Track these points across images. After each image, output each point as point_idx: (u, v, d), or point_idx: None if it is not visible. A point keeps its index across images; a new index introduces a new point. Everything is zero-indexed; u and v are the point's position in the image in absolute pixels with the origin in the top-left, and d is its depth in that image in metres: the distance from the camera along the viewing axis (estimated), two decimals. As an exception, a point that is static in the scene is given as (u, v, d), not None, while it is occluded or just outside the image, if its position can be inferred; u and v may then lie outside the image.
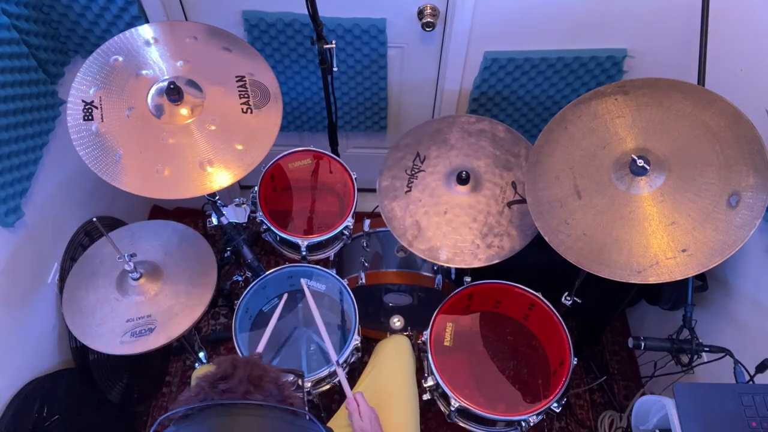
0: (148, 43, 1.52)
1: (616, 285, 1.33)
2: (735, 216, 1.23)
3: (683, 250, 1.27)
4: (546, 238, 1.44)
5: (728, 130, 1.29)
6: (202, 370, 1.72)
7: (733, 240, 1.22)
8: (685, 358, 1.52)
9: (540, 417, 1.54)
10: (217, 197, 1.73)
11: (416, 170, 1.73)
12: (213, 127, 1.46)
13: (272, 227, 1.74)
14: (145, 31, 1.53)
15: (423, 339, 1.65)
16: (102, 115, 1.42)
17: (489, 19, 1.80)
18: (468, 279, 1.76)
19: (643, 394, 1.99)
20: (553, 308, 1.66)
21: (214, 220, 1.78)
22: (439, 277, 1.88)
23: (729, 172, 1.27)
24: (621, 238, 1.34)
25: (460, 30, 1.83)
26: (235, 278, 2.15)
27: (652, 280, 1.28)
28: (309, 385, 1.56)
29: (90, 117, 1.42)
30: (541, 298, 1.68)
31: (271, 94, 1.52)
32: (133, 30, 1.52)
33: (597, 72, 1.94)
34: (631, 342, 1.52)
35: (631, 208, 1.35)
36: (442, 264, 1.61)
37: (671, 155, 1.34)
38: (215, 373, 0.84)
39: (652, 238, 1.30)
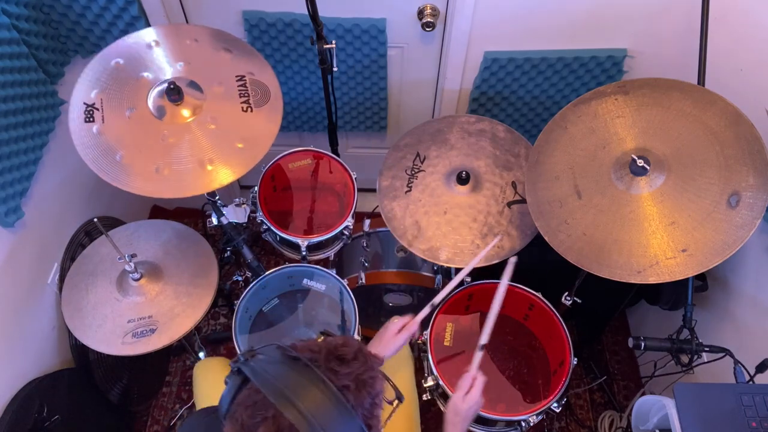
0: (149, 46, 1.52)
1: (615, 285, 1.33)
2: (735, 216, 1.23)
3: (683, 250, 1.27)
4: (546, 238, 1.44)
5: (728, 130, 1.29)
6: (214, 360, 1.72)
7: (733, 240, 1.22)
8: (685, 358, 1.52)
9: (540, 417, 1.54)
10: (217, 197, 1.73)
11: (416, 170, 1.73)
12: (213, 126, 1.46)
13: (272, 227, 1.74)
14: (147, 34, 1.53)
15: (423, 339, 1.65)
16: (103, 116, 1.43)
17: (489, 19, 1.80)
18: (468, 279, 1.75)
19: (643, 394, 1.99)
20: (553, 308, 1.66)
21: (214, 220, 1.78)
22: (439, 277, 1.88)
23: (729, 172, 1.27)
24: (621, 238, 1.34)
25: (460, 30, 1.83)
26: (235, 278, 2.15)
27: (652, 280, 1.28)
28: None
29: (91, 119, 1.42)
30: (541, 298, 1.68)
31: (271, 94, 1.52)
32: (135, 34, 1.52)
33: (597, 72, 1.94)
34: (631, 342, 1.52)
35: (631, 208, 1.35)
36: (442, 264, 1.61)
37: (671, 155, 1.35)
38: (341, 348, 0.82)
39: (652, 238, 1.30)
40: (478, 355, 1.36)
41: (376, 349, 1.33)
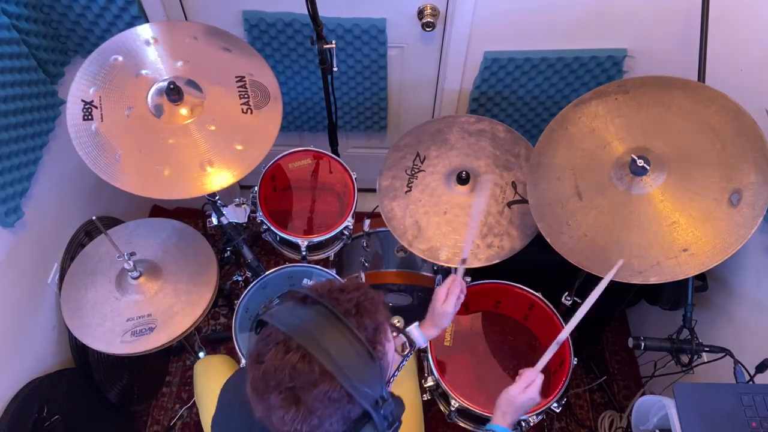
0: (147, 43, 1.51)
1: (615, 285, 1.33)
2: (736, 215, 1.23)
3: (684, 250, 1.27)
4: (548, 240, 1.44)
5: (729, 127, 1.29)
6: (214, 358, 1.73)
7: (734, 239, 1.22)
8: (685, 358, 1.52)
9: (540, 417, 1.54)
10: (217, 197, 1.73)
11: (416, 170, 1.73)
12: (213, 127, 1.46)
13: (272, 227, 1.74)
14: (145, 30, 1.53)
15: (423, 339, 1.65)
16: (102, 114, 1.42)
17: (489, 19, 1.80)
18: (468, 279, 1.75)
19: (643, 394, 1.99)
20: (553, 308, 1.66)
21: (214, 220, 1.78)
22: (439, 277, 1.88)
23: (730, 170, 1.27)
24: (622, 238, 1.34)
25: (460, 30, 1.83)
26: (235, 278, 2.15)
27: (654, 280, 1.28)
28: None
29: (90, 117, 1.42)
30: (541, 298, 1.68)
31: (271, 94, 1.52)
32: (132, 29, 1.52)
33: (597, 72, 1.94)
34: (631, 342, 1.52)
35: (632, 208, 1.35)
36: (442, 264, 1.60)
37: (672, 154, 1.34)
38: (343, 284, 0.91)
39: (653, 238, 1.30)
40: (550, 353, 1.36)
41: (431, 324, 1.35)
